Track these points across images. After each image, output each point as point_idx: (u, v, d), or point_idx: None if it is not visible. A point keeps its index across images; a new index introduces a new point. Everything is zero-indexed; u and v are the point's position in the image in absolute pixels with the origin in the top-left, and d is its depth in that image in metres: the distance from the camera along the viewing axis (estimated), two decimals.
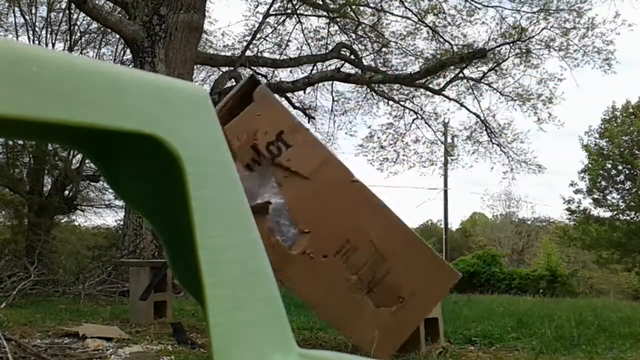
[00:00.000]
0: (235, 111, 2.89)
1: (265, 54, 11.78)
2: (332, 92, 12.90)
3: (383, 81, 11.39)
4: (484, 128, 13.22)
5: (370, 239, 2.95)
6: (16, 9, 12.31)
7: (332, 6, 11.16)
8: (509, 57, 11.93)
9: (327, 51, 11.54)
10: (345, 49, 11.51)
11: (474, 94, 12.73)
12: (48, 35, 12.64)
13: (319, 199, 2.94)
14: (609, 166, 22.95)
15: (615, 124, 22.96)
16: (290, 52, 12.22)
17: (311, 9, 11.29)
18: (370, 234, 2.96)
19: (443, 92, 12.19)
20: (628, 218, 22.49)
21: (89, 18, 9.78)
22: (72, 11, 10.35)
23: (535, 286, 18.88)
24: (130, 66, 8.46)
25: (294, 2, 11.14)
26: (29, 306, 5.30)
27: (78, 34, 12.33)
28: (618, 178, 23.00)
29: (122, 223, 9.52)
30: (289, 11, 11.48)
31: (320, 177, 2.95)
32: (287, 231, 2.86)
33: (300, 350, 0.62)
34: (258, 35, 11.52)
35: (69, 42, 11.21)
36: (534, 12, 11.28)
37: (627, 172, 22.54)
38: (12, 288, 5.87)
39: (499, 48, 11.68)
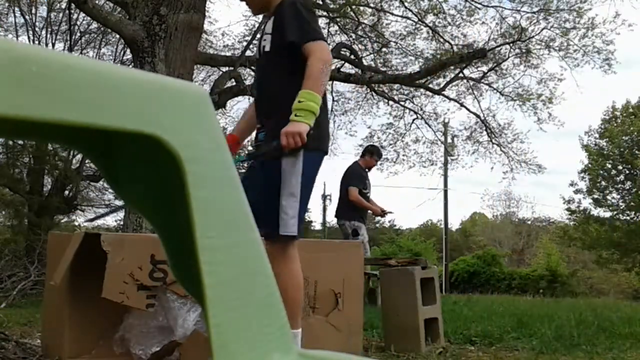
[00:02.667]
0: (80, 273, 2.50)
1: None
2: (332, 92, 12.90)
3: (383, 81, 11.39)
4: (484, 128, 13.22)
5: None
6: (16, 9, 12.31)
7: (332, 6, 11.16)
8: (509, 57, 11.93)
9: None
10: (345, 49, 11.51)
11: (474, 94, 12.73)
12: (48, 35, 12.64)
13: None
14: (609, 166, 22.96)
15: (615, 124, 22.97)
16: None
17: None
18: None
19: (443, 92, 12.19)
20: (628, 218, 22.50)
21: (89, 18, 9.78)
22: (72, 11, 10.35)
23: (535, 286, 18.89)
24: (130, 66, 8.46)
25: None
26: (29, 306, 5.30)
27: (78, 34, 12.33)
28: (618, 178, 23.02)
29: (122, 223, 9.52)
30: None
31: None
32: None
33: (300, 350, 0.62)
34: (258, 35, 11.51)
35: (69, 42, 11.21)
36: (534, 12, 11.28)
37: (627, 172, 22.55)
38: (12, 288, 5.87)
39: (499, 48, 11.68)
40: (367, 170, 6.47)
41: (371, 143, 6.87)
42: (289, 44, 2.35)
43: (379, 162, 7.26)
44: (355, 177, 6.31)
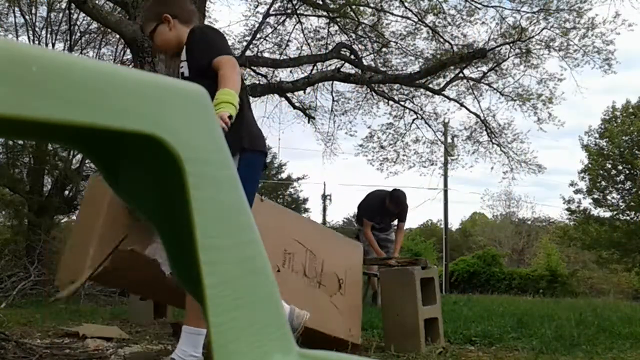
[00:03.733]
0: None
1: (265, 54, 11.78)
2: (332, 92, 12.90)
3: (383, 81, 11.38)
4: (484, 128, 13.21)
5: (297, 241, 3.26)
6: (16, 9, 12.31)
7: (332, 6, 11.16)
8: (509, 57, 11.93)
9: (327, 51, 11.53)
10: (345, 49, 11.50)
11: (474, 94, 12.72)
12: (48, 35, 12.64)
13: None
14: (609, 166, 22.95)
15: (615, 124, 22.96)
16: (290, 52, 12.22)
17: (311, 9, 11.28)
18: (296, 237, 3.26)
19: (443, 92, 12.18)
20: (628, 218, 22.49)
21: (89, 18, 9.78)
22: (72, 11, 10.35)
23: (535, 286, 18.89)
24: (130, 66, 8.46)
25: (294, 2, 11.14)
26: (29, 306, 5.30)
27: (78, 34, 12.32)
28: (618, 178, 23.01)
29: None
30: (289, 11, 11.48)
31: None
32: None
33: (300, 350, 0.62)
34: (258, 35, 11.52)
35: (69, 42, 11.21)
36: (534, 12, 11.27)
37: (627, 172, 22.55)
38: (12, 288, 5.87)
39: (499, 48, 11.68)
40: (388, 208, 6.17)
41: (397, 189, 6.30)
42: (201, 65, 2.50)
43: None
44: (369, 209, 6.18)
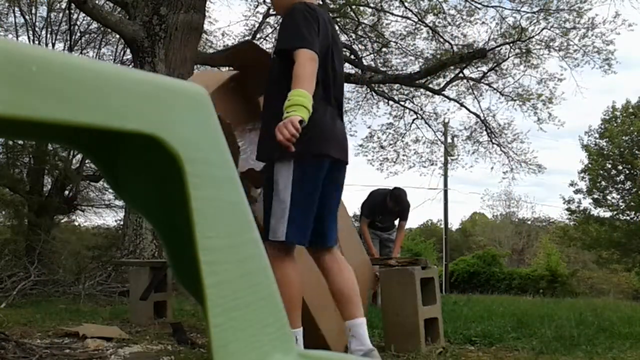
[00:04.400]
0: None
1: None
2: None
3: (383, 81, 11.38)
4: (484, 128, 13.22)
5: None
6: (16, 9, 12.32)
7: (332, 6, 11.16)
8: (509, 57, 11.93)
9: None
10: (345, 49, 11.50)
11: (474, 94, 12.73)
12: (48, 35, 12.65)
13: None
14: (609, 166, 22.96)
15: (615, 124, 22.97)
16: None
17: None
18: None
19: (443, 92, 12.19)
20: (628, 218, 22.50)
21: (89, 18, 9.78)
22: (72, 11, 10.35)
23: (535, 286, 18.88)
24: (130, 66, 8.46)
25: None
26: (29, 306, 5.30)
27: (78, 34, 12.33)
28: (618, 178, 23.02)
29: (122, 223, 9.52)
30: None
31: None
32: None
33: (300, 350, 0.62)
34: (258, 35, 11.53)
35: (69, 42, 11.21)
36: (534, 12, 11.28)
37: (627, 172, 22.55)
38: (12, 288, 5.87)
39: (499, 48, 11.68)
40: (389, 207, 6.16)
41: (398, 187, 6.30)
42: (280, 50, 2.44)
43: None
44: (370, 207, 6.22)
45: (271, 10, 11.16)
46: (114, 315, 4.68)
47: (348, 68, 11.44)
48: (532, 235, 33.72)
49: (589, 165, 23.31)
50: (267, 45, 12.11)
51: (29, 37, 12.34)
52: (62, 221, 13.93)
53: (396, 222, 6.42)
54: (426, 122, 13.37)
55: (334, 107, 2.55)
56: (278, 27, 2.57)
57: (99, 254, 9.58)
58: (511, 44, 11.63)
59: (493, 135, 13.27)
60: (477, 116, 13.01)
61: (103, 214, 16.37)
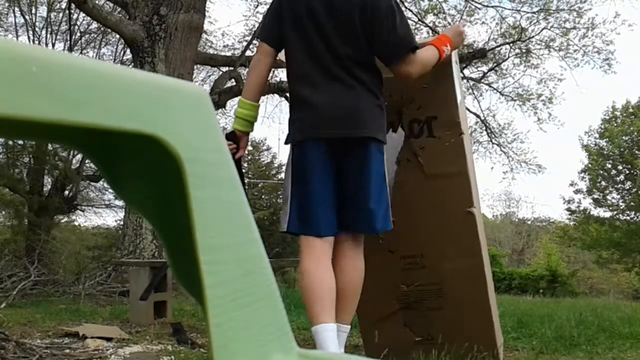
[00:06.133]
0: None
1: None
2: None
3: None
4: (484, 128, 13.23)
5: (442, 269, 2.70)
6: (16, 9, 12.32)
7: None
8: (509, 57, 11.95)
9: None
10: None
11: (474, 94, 12.74)
12: (48, 35, 12.65)
13: (423, 201, 2.69)
14: (609, 166, 22.96)
15: (615, 124, 22.97)
16: None
17: None
18: (445, 266, 2.69)
19: None
20: (628, 218, 22.50)
21: (89, 18, 9.78)
22: (72, 11, 10.35)
23: (535, 286, 18.87)
24: (130, 66, 8.47)
25: None
26: (29, 306, 5.29)
27: (78, 34, 12.33)
28: (618, 178, 23.01)
29: (122, 223, 9.52)
30: None
31: (440, 184, 2.64)
32: None
33: (300, 350, 0.62)
34: None
35: (69, 42, 11.21)
36: (534, 12, 11.29)
37: (627, 172, 22.55)
38: (12, 288, 5.87)
39: (499, 48, 11.69)
40: None
41: None
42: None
43: None
44: None
45: None
46: (114, 315, 4.68)
47: None
48: (532, 235, 33.70)
49: (589, 165, 23.31)
50: None
51: (29, 37, 12.34)
52: (62, 221, 13.94)
53: None
54: None
55: (330, 75, 2.26)
56: None
57: (99, 254, 9.59)
58: (511, 44, 11.63)
59: (493, 135, 13.28)
60: (477, 116, 13.01)
61: (103, 214, 16.40)
